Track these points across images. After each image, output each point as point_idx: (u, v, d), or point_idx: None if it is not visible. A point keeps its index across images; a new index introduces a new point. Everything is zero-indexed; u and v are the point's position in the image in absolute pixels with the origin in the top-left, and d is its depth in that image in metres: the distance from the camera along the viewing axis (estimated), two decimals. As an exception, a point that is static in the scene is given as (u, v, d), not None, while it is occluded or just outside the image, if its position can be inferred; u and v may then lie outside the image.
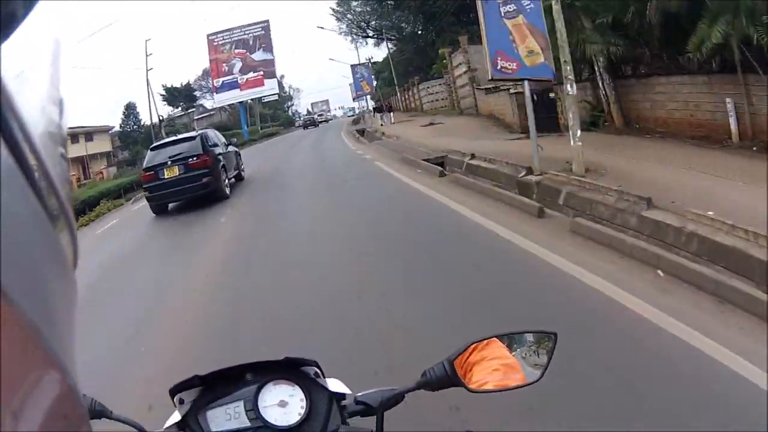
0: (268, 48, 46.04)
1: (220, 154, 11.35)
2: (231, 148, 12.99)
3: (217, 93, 47.88)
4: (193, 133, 11.91)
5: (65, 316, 0.29)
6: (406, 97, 39.37)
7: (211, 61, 48.55)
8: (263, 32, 46.39)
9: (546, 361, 0.93)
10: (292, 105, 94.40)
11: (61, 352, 0.27)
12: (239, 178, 13.36)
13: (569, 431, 2.29)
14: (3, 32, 0.26)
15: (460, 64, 22.49)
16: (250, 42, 46.65)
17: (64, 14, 0.38)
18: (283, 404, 0.91)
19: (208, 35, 48.88)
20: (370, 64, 24.23)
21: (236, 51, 47.05)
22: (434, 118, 20.64)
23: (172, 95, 58.17)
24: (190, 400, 0.94)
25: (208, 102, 60.63)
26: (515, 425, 2.27)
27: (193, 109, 72.51)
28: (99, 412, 0.93)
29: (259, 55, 45.98)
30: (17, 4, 0.27)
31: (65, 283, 0.30)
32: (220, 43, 48.29)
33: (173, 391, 0.93)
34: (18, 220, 0.24)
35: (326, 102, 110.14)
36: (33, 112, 0.28)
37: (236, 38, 47.34)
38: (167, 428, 0.94)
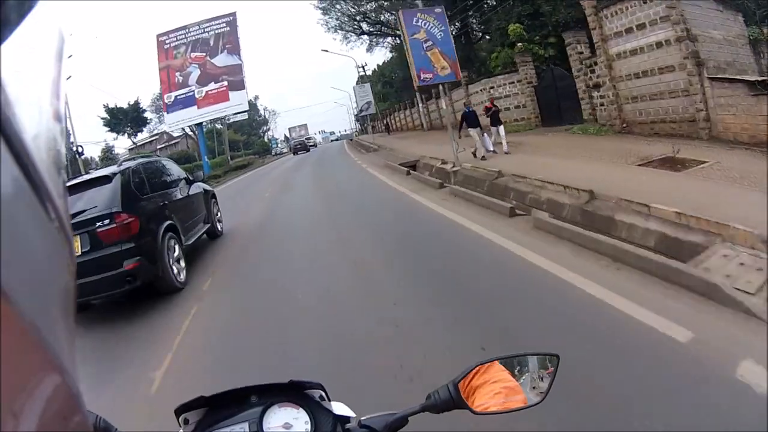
0: (235, 49, 34.42)
1: (165, 204, 6.36)
2: (197, 188, 8.04)
3: (167, 113, 35.82)
4: (110, 170, 6.06)
5: (65, 318, 0.29)
6: (431, 110, 28.22)
7: (160, 69, 36.69)
8: (228, 29, 34.89)
9: (549, 383, 0.92)
10: (268, 130, 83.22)
11: (61, 352, 0.27)
12: (213, 234, 8.54)
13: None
14: (2, 33, 0.26)
15: (650, 23, 10.27)
16: (211, 42, 35.05)
17: (64, 16, 0.35)
18: (287, 427, 0.91)
19: (158, 35, 37.27)
20: (443, 10, 10.07)
21: (193, 55, 35.34)
22: (649, 144, 8.31)
23: (117, 118, 45.63)
24: (195, 421, 0.92)
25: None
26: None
27: (156, 137, 60.80)
28: (104, 429, 0.91)
29: (222, 59, 34.29)
30: (11, 6, 0.27)
31: (65, 284, 0.30)
32: (172, 45, 36.64)
33: (179, 411, 0.91)
34: (18, 221, 0.24)
35: (305, 126, 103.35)
36: (33, 114, 0.28)
37: (193, 38, 35.71)
38: None
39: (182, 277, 6.18)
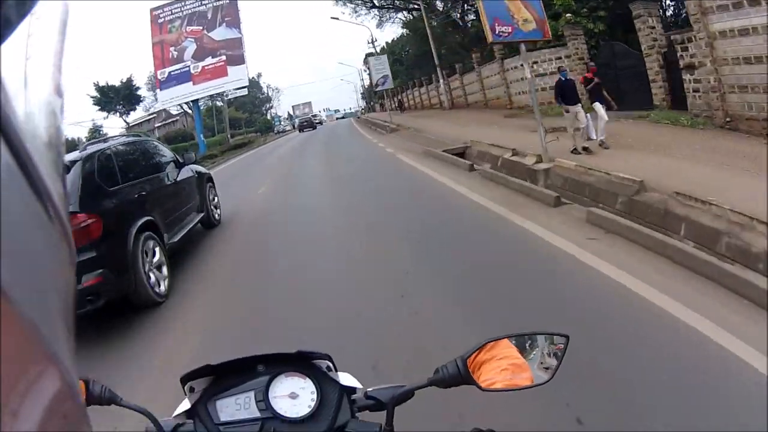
0: (234, 22, 31.59)
1: (142, 196, 5.37)
2: (187, 172, 7.05)
3: (161, 89, 33.18)
4: (69, 157, 4.93)
5: (65, 317, 0.29)
6: (453, 86, 25.51)
7: (154, 44, 33.92)
8: (227, 0, 31.93)
9: (557, 363, 0.89)
10: (271, 107, 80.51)
11: (60, 351, 0.27)
12: (208, 224, 7.64)
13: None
14: (2, 33, 0.26)
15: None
16: (209, 15, 32.20)
17: (65, 15, 0.34)
18: (293, 396, 0.89)
19: (152, 9, 34.40)
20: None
21: (189, 28, 32.54)
22: None
23: (107, 96, 42.74)
24: (201, 389, 0.91)
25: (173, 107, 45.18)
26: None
27: (154, 116, 58.08)
28: (109, 399, 0.90)
29: (220, 33, 31.51)
30: (11, 6, 0.27)
31: (64, 283, 0.30)
32: (167, 19, 33.81)
33: (184, 379, 0.90)
34: (18, 220, 0.25)
35: (308, 104, 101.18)
36: (33, 113, 0.29)
37: (189, 11, 32.81)
38: (177, 416, 0.92)
39: (162, 287, 5.07)
